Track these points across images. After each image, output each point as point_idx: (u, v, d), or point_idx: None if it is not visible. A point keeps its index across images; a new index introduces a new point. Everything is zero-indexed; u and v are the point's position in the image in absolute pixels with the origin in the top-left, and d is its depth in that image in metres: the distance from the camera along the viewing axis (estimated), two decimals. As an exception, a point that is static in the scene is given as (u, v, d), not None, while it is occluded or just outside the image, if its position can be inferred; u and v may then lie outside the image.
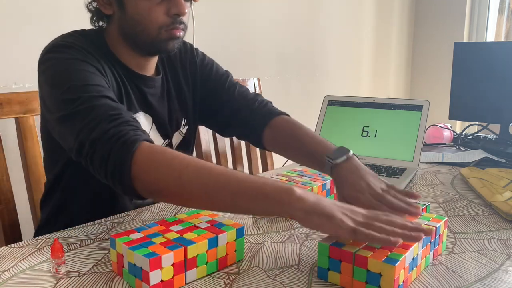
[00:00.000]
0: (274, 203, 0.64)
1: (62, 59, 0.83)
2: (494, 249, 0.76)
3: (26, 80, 1.38)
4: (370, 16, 2.85)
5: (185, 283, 0.62)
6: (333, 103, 1.40)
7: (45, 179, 1.02)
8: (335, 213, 0.62)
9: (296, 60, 2.38)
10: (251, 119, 1.06)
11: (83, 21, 1.42)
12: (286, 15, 2.28)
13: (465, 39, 2.99)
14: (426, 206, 0.83)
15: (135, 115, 0.95)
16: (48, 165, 1.00)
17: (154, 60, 1.00)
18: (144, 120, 0.98)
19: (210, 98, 1.10)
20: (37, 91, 0.89)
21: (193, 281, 0.63)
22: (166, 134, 1.03)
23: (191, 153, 1.15)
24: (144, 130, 0.77)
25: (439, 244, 0.72)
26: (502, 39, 2.94)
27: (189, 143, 1.12)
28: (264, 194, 0.64)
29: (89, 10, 0.94)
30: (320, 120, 1.39)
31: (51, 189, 0.98)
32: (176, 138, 1.08)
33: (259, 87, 1.86)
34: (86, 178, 0.86)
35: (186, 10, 0.88)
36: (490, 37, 2.99)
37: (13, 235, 1.03)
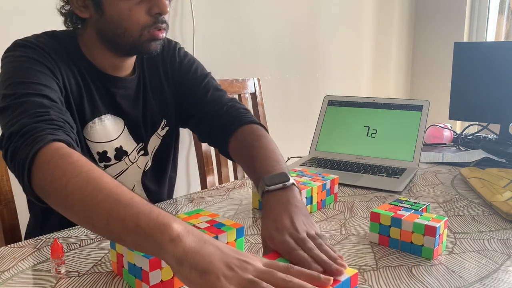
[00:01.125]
0: (146, 239, 0.52)
1: (14, 58, 0.82)
2: (494, 249, 0.76)
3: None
4: (370, 16, 2.85)
5: (185, 283, 0.62)
6: (333, 103, 1.40)
7: None
8: (213, 269, 0.48)
9: (296, 60, 2.38)
10: (216, 125, 0.99)
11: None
12: (286, 15, 2.28)
13: (465, 39, 2.99)
14: (426, 206, 0.83)
15: (100, 118, 0.92)
16: None
17: (131, 60, 0.97)
18: (113, 123, 0.95)
19: (186, 98, 1.04)
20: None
21: (193, 281, 0.63)
22: (139, 137, 1.00)
23: (174, 159, 1.10)
24: (69, 132, 0.73)
25: (439, 244, 0.72)
26: (502, 39, 2.94)
27: (170, 147, 1.07)
28: (136, 225, 0.53)
29: (62, 14, 0.92)
30: (320, 120, 1.39)
31: None
32: (154, 142, 1.04)
33: (259, 87, 1.86)
34: None
35: (168, 9, 0.86)
36: (490, 37, 2.99)
37: (13, 236, 1.03)
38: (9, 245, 0.76)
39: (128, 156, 0.98)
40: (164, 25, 0.88)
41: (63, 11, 0.91)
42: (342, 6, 2.61)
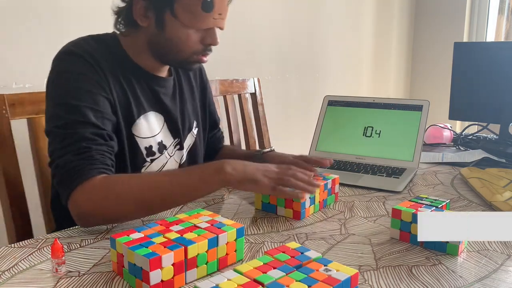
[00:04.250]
0: (209, 182, 0.81)
1: (66, 70, 0.88)
2: (494, 249, 0.76)
3: (26, 80, 1.38)
4: (370, 16, 2.85)
5: (185, 283, 0.62)
6: (333, 103, 1.40)
7: None
8: (258, 177, 0.81)
9: (296, 60, 2.38)
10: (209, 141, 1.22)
11: (82, 21, 1.42)
12: (286, 15, 2.28)
13: (465, 39, 2.99)
14: (446, 203, 0.84)
15: (145, 115, 0.99)
16: None
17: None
18: (154, 120, 1.01)
19: (205, 111, 1.20)
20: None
21: (193, 281, 0.63)
22: (176, 133, 1.06)
23: (200, 159, 1.18)
24: (107, 160, 0.84)
25: (462, 240, 0.73)
26: (502, 39, 2.94)
27: (201, 146, 1.17)
28: (202, 180, 0.81)
29: (117, 14, 0.96)
30: (320, 120, 1.39)
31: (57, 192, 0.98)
32: (189, 140, 1.12)
33: (259, 87, 1.86)
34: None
35: (219, 41, 0.95)
36: (490, 37, 2.99)
37: (25, 237, 1.03)
38: (9, 245, 0.76)
39: (167, 149, 1.04)
40: (210, 52, 0.98)
41: (119, 12, 0.96)
42: (342, 6, 2.61)
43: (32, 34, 1.39)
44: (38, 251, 0.74)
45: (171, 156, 1.05)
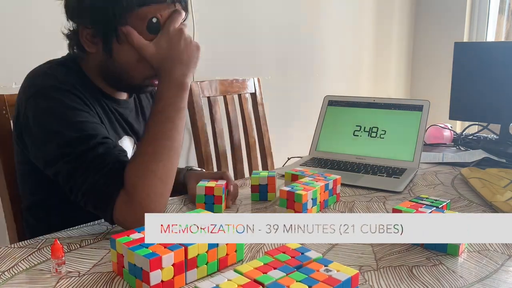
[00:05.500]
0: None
1: (52, 106, 0.82)
2: (494, 249, 0.76)
3: (26, 80, 1.38)
4: (370, 16, 2.85)
5: (186, 283, 0.62)
6: (333, 103, 1.40)
7: None
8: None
9: (296, 60, 2.38)
10: None
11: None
12: (286, 15, 2.28)
13: (465, 39, 2.99)
14: (447, 203, 0.84)
15: (121, 141, 0.97)
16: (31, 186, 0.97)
17: None
18: (128, 144, 1.00)
19: None
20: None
21: (194, 281, 0.63)
22: None
23: None
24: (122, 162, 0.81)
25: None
26: (502, 39, 2.94)
27: None
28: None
29: (68, 38, 0.91)
30: (320, 120, 1.39)
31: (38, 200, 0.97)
32: None
33: (259, 87, 1.86)
34: None
35: None
36: (490, 37, 2.99)
37: (26, 237, 1.02)
38: (9, 245, 0.76)
39: None
40: None
41: (70, 37, 0.91)
42: (342, 6, 2.61)
43: (32, 35, 1.39)
44: (38, 251, 0.74)
45: None
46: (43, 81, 0.85)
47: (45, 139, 0.82)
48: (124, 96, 1.01)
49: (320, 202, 0.93)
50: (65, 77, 0.86)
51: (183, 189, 1.05)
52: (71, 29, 0.90)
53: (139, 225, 0.73)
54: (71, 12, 0.88)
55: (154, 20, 0.84)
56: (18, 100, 0.88)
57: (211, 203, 0.90)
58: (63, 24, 0.91)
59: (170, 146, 0.81)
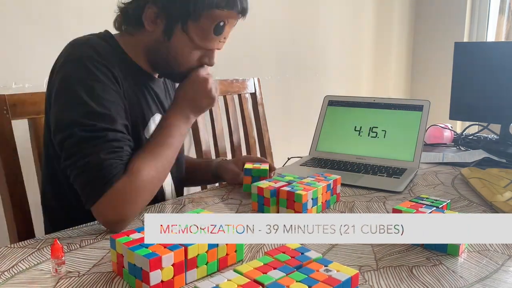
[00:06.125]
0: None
1: (85, 77, 0.84)
2: (494, 249, 0.76)
3: (26, 80, 1.38)
4: (370, 16, 2.85)
5: (185, 284, 0.62)
6: (333, 103, 1.40)
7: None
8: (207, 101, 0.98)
9: (296, 60, 2.38)
10: None
11: (82, 21, 1.42)
12: (286, 15, 2.28)
13: (465, 39, 2.99)
14: (447, 203, 0.84)
15: (153, 117, 0.99)
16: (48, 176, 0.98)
17: None
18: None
19: None
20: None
21: (194, 281, 0.63)
22: None
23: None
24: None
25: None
26: (502, 39, 2.94)
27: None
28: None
29: (122, 11, 0.94)
30: (320, 120, 1.39)
31: (52, 195, 0.98)
32: None
33: (259, 87, 1.86)
34: None
35: (215, 63, 0.98)
36: (490, 37, 2.99)
37: (26, 237, 1.03)
38: (9, 245, 0.76)
39: None
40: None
41: (125, 10, 0.93)
42: (342, 6, 2.61)
43: (32, 34, 1.39)
44: (38, 251, 0.74)
45: None
46: (82, 50, 0.87)
47: (69, 105, 0.83)
48: (156, 74, 1.04)
49: (322, 202, 0.93)
50: (104, 51, 0.89)
51: (213, 179, 1.19)
52: (131, 4, 0.92)
53: (121, 219, 0.80)
54: None
55: (222, 23, 0.91)
56: (54, 65, 0.91)
57: (262, 204, 0.91)
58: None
59: (167, 154, 0.89)
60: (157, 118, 1.00)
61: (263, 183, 0.92)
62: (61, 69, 0.86)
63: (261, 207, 0.91)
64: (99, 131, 0.81)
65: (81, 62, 0.85)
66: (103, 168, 0.79)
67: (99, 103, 0.83)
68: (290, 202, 0.88)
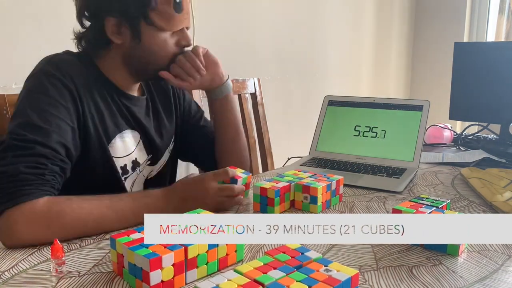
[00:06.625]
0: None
1: (39, 92, 0.85)
2: (494, 249, 0.76)
3: (26, 80, 1.38)
4: (370, 16, 2.85)
5: (186, 283, 0.62)
6: (333, 103, 1.40)
7: None
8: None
9: (296, 60, 2.38)
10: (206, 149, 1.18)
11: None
12: (286, 15, 2.28)
13: (465, 39, 2.99)
14: (447, 203, 0.84)
15: (121, 134, 0.99)
16: None
17: (139, 83, 1.06)
18: (131, 137, 1.02)
19: (186, 131, 1.18)
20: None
21: (194, 281, 0.63)
22: (150, 150, 1.06)
23: (175, 169, 1.19)
24: (55, 182, 0.80)
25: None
26: (502, 39, 2.94)
27: (175, 159, 1.18)
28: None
29: (83, 36, 0.96)
30: (320, 120, 1.39)
31: None
32: (165, 156, 1.12)
33: (259, 87, 1.86)
34: (86, 185, 0.89)
35: (192, 42, 1.00)
36: (490, 37, 2.99)
37: None
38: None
39: (139, 167, 1.05)
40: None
41: (82, 37, 0.96)
42: (342, 6, 2.61)
43: (32, 35, 1.39)
44: (38, 251, 0.74)
45: (140, 172, 1.06)
46: (43, 65, 0.90)
47: (15, 115, 0.84)
48: (135, 92, 1.05)
49: (322, 202, 0.93)
50: (67, 67, 0.90)
51: None
52: (86, 26, 0.95)
53: (15, 244, 0.74)
54: (95, 6, 0.92)
55: (178, 0, 0.94)
56: None
57: (265, 204, 0.91)
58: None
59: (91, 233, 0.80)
60: (126, 135, 1.00)
61: (266, 184, 0.92)
62: (24, 83, 0.90)
63: (264, 208, 0.91)
64: (28, 142, 0.79)
65: (36, 77, 0.88)
66: (16, 181, 0.75)
67: (40, 116, 0.82)
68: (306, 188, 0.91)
